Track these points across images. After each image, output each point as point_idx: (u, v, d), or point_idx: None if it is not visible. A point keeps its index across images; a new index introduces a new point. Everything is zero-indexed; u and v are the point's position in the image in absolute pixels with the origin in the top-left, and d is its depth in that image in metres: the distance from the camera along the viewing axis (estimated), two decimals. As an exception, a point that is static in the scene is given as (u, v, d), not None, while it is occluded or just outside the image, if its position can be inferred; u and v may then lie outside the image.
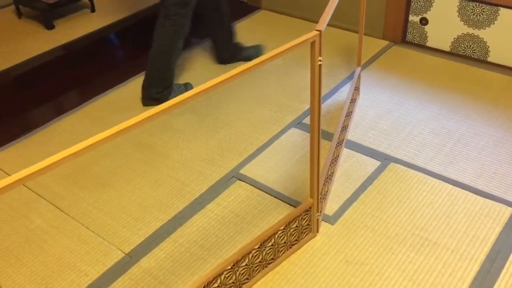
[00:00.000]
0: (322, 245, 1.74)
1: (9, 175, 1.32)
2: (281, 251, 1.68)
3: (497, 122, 2.25)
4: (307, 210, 1.69)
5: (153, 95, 2.45)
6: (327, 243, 1.74)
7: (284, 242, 1.67)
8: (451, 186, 1.94)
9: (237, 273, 1.55)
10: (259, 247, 1.58)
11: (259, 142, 2.23)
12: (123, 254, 1.74)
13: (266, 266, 1.65)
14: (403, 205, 1.88)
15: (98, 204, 1.96)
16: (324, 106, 2.43)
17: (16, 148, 2.28)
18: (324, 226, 1.81)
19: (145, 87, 2.48)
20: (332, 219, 1.83)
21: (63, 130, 2.38)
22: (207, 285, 1.46)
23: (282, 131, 2.28)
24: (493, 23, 2.55)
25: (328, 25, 2.94)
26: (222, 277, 1.50)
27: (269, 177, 2.03)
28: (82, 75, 2.84)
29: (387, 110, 2.37)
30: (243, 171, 2.07)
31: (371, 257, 1.69)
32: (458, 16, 2.64)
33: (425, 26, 2.79)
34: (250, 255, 1.57)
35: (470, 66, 2.65)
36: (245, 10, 3.35)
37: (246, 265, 1.57)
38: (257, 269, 1.62)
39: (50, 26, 3.14)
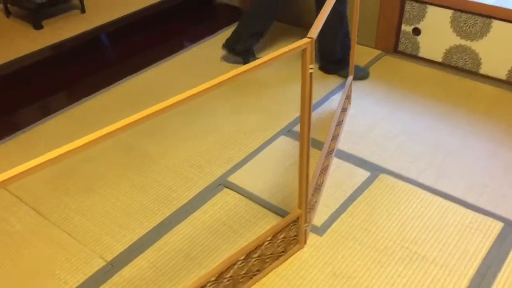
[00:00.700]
0: (309, 257, 1.70)
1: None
2: (267, 262, 1.64)
3: (489, 135, 2.23)
4: (295, 221, 1.66)
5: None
6: (315, 255, 1.71)
7: (271, 253, 1.63)
8: (441, 199, 1.91)
9: (221, 284, 1.51)
10: (244, 258, 1.54)
11: (248, 149, 2.19)
12: (105, 262, 1.69)
13: (251, 278, 1.61)
14: (393, 217, 1.84)
15: (81, 209, 1.90)
16: (315, 114, 2.40)
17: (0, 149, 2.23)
18: (312, 237, 1.77)
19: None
20: (320, 230, 1.80)
21: (49, 132, 2.33)
22: (190, 297, 1.42)
23: (272, 139, 2.24)
24: (486, 35, 2.54)
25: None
26: (206, 289, 1.46)
27: (257, 185, 1.99)
28: (70, 76, 2.78)
29: (378, 120, 2.35)
30: (231, 178, 2.03)
31: (359, 270, 1.66)
32: (450, 27, 2.63)
33: (417, 36, 2.77)
34: (235, 267, 1.52)
35: (462, 77, 2.64)
36: (237, 15, 3.31)
37: (231, 276, 1.52)
38: (242, 281, 1.58)
39: (38, 26, 3.09)
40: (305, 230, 1.71)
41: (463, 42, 2.63)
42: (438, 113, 2.38)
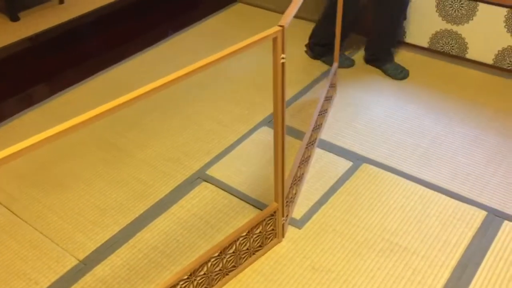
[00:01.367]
0: (287, 251, 1.65)
1: None
2: (244, 258, 1.59)
3: (474, 121, 2.18)
4: (272, 215, 1.61)
5: None
6: (293, 249, 1.66)
7: (247, 249, 1.59)
8: (424, 188, 1.87)
9: (195, 282, 1.46)
10: (218, 255, 1.49)
11: (228, 142, 2.13)
12: (77, 261, 1.65)
13: (227, 274, 1.56)
14: (374, 208, 1.80)
15: (54, 206, 1.85)
16: (298, 103, 2.34)
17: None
18: (290, 231, 1.72)
19: None
20: (299, 223, 1.75)
21: (27, 126, 2.27)
22: (161, 296, 1.37)
23: (252, 130, 2.19)
24: (472, 19, 2.48)
25: (304, 19, 2.86)
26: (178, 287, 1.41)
27: (236, 178, 1.94)
28: (48, 68, 2.72)
29: (361, 108, 2.29)
30: (209, 171, 1.98)
31: (338, 264, 1.61)
32: (436, 11, 2.56)
33: (403, 22, 2.71)
34: (209, 264, 1.48)
35: (448, 63, 2.58)
36: (221, 3, 3.25)
37: (204, 274, 1.48)
38: (217, 278, 1.53)
39: (15, 18, 3.01)
40: (283, 224, 1.66)
41: (449, 26, 2.57)
42: (424, 100, 2.33)
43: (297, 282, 1.56)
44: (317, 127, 2.09)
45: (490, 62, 2.52)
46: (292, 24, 1.37)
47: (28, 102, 2.45)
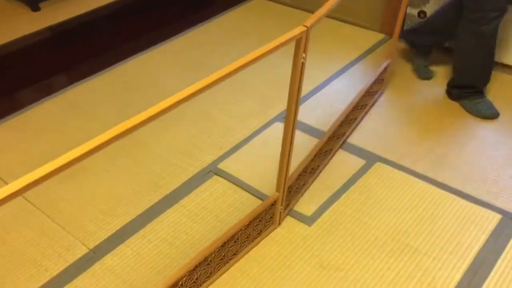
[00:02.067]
0: (296, 247, 1.64)
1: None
2: (243, 245, 1.60)
3: (493, 123, 2.14)
4: (272, 205, 1.61)
5: None
6: (302, 246, 1.65)
7: (247, 237, 1.59)
8: (438, 189, 1.84)
9: (199, 273, 1.46)
10: (222, 246, 1.49)
11: (241, 136, 2.13)
12: (87, 250, 1.66)
13: (227, 262, 1.56)
14: (386, 207, 1.78)
15: (67, 195, 1.87)
16: (313, 99, 2.32)
17: (-11, 133, 2.20)
18: (300, 227, 1.71)
19: None
20: (309, 220, 1.74)
21: (46, 114, 2.29)
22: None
23: (266, 125, 2.18)
24: (494, 19, 2.42)
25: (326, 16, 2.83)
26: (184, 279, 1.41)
27: (248, 173, 1.94)
28: (67, 58, 2.74)
29: (377, 106, 2.27)
30: (221, 165, 1.98)
31: (347, 262, 1.60)
32: (457, 10, 2.51)
33: (423, 20, 2.66)
34: (213, 255, 1.48)
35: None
36: (234, 1, 3.24)
37: (207, 264, 1.48)
38: (218, 266, 1.54)
39: (35, 8, 3.05)
40: (280, 212, 1.66)
41: (470, 25, 2.51)
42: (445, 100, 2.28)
43: (305, 279, 1.55)
44: (348, 121, 2.05)
45: (512, 63, 2.46)
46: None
47: (46, 91, 2.47)
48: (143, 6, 3.23)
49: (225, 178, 1.92)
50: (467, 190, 1.83)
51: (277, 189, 1.59)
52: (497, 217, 1.72)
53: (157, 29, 3.01)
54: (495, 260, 1.58)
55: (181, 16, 3.15)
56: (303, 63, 1.34)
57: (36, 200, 1.85)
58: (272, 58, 2.61)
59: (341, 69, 2.53)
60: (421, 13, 2.65)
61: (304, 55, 1.32)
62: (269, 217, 1.64)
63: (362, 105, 2.12)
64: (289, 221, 1.73)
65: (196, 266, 1.43)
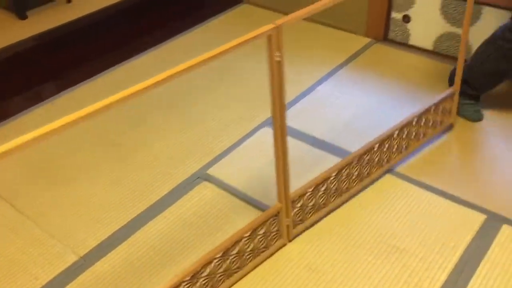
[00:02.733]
0: (284, 250, 1.66)
1: None
2: (248, 259, 1.59)
3: (475, 124, 2.18)
4: (275, 215, 1.61)
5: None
6: (292, 249, 1.67)
7: (251, 250, 1.59)
8: (424, 190, 1.87)
9: (198, 284, 1.47)
10: (222, 256, 1.50)
11: (230, 141, 2.15)
12: (77, 257, 1.67)
13: (231, 276, 1.56)
14: (372, 209, 1.80)
15: (56, 203, 1.88)
16: (300, 104, 2.35)
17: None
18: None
19: None
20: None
21: (35, 122, 2.30)
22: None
23: (254, 130, 2.20)
24: (476, 22, 2.47)
25: (312, 21, 2.87)
26: None
27: (237, 178, 1.96)
28: (56, 66, 2.75)
29: (364, 110, 2.30)
30: (210, 171, 2.00)
31: (335, 265, 1.62)
32: (441, 14, 2.56)
33: (407, 24, 2.71)
34: (212, 265, 1.48)
35: (452, 65, 2.57)
36: (226, 4, 3.26)
37: (207, 275, 1.48)
38: (221, 279, 1.53)
39: (22, 16, 3.05)
40: (287, 225, 1.65)
41: (453, 29, 2.56)
42: (428, 103, 2.32)
43: (294, 283, 1.57)
44: (395, 148, 1.91)
45: (495, 65, 2.51)
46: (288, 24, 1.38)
47: (35, 99, 2.48)
48: (130, 14, 3.24)
49: (214, 184, 1.94)
50: (452, 191, 1.86)
51: (279, 199, 1.59)
52: (482, 217, 1.76)
53: (145, 35, 3.03)
54: (480, 260, 1.61)
55: (169, 22, 3.17)
56: (279, 62, 1.36)
57: (25, 209, 1.86)
58: (259, 64, 2.64)
59: (327, 73, 2.56)
60: (405, 17, 2.70)
61: (278, 53, 1.34)
62: (275, 229, 1.62)
63: (414, 134, 1.98)
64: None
65: (193, 275, 1.43)
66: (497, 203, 1.80)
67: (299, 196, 1.65)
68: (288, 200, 1.61)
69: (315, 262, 1.63)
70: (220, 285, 1.53)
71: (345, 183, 1.80)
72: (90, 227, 1.78)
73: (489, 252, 1.63)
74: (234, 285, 1.56)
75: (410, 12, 2.66)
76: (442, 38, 2.61)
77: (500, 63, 2.07)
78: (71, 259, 1.67)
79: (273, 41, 1.30)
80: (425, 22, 2.63)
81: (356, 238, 1.70)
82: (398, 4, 2.68)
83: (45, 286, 1.58)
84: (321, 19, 2.96)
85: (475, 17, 2.46)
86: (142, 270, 1.62)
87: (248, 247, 1.57)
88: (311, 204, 1.71)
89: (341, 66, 2.61)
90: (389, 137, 1.90)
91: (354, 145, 2.08)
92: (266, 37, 1.31)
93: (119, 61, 2.74)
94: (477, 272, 1.58)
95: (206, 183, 1.94)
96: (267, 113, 2.30)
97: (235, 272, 1.57)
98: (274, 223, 1.62)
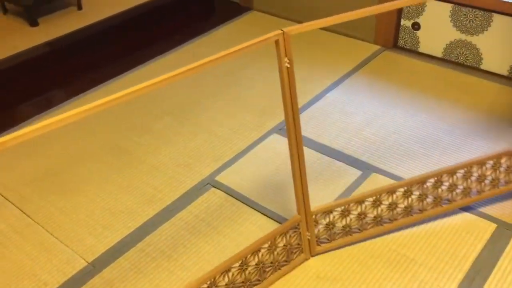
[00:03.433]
0: (306, 265, 1.65)
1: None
2: (268, 271, 1.56)
3: (487, 133, 2.16)
4: (296, 227, 1.59)
5: None
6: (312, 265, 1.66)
7: (271, 262, 1.57)
8: (433, 199, 1.85)
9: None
10: (240, 265, 1.49)
11: (239, 148, 2.15)
12: (86, 263, 1.67)
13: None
14: (382, 218, 1.79)
15: (66, 209, 1.89)
16: (308, 112, 2.35)
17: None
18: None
19: None
20: (306, 231, 1.75)
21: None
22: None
23: (262, 137, 2.20)
24: (487, 30, 2.46)
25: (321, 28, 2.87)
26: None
27: (245, 185, 1.95)
28: (66, 73, 2.77)
29: (373, 117, 2.29)
30: (218, 178, 2.00)
31: (344, 273, 1.61)
32: (450, 21, 2.55)
33: (417, 31, 2.70)
34: (230, 273, 1.47)
35: (462, 73, 2.57)
36: (236, 11, 3.28)
37: (226, 284, 1.47)
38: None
39: (34, 23, 3.08)
40: (309, 239, 1.62)
41: (463, 36, 2.55)
42: (436, 110, 2.31)
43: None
44: (463, 191, 1.75)
45: (505, 73, 2.50)
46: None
47: (45, 106, 2.50)
48: (140, 22, 3.27)
49: (222, 191, 1.94)
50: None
51: (298, 211, 1.57)
52: (492, 226, 1.74)
53: (155, 43, 3.04)
54: (491, 269, 1.59)
55: (178, 30, 3.18)
56: (289, 68, 1.36)
57: (35, 215, 1.86)
58: (267, 71, 2.64)
59: (337, 80, 2.56)
60: (415, 25, 2.69)
61: (286, 59, 1.34)
62: (295, 243, 1.61)
63: (485, 178, 1.80)
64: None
65: (211, 282, 1.42)
66: (508, 212, 1.78)
67: (323, 213, 1.63)
68: (308, 213, 1.59)
69: (324, 270, 1.62)
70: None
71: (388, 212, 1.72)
72: (99, 233, 1.78)
73: (500, 261, 1.62)
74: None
75: (419, 20, 2.66)
76: (452, 45, 2.61)
77: None
78: (80, 264, 1.67)
79: (281, 47, 1.31)
80: (435, 30, 2.63)
81: (366, 245, 1.69)
82: (408, 12, 2.68)
83: (54, 292, 1.59)
84: (331, 26, 2.97)
85: (486, 25, 2.45)
86: (151, 277, 1.62)
87: (268, 258, 1.55)
88: (341, 225, 1.68)
89: (350, 73, 2.61)
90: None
91: (365, 154, 2.08)
92: (273, 43, 1.31)
93: (128, 68, 2.75)
94: (488, 281, 1.56)
95: (215, 190, 1.94)
96: (275, 120, 2.31)
97: (255, 285, 1.53)
98: (294, 235, 1.61)
